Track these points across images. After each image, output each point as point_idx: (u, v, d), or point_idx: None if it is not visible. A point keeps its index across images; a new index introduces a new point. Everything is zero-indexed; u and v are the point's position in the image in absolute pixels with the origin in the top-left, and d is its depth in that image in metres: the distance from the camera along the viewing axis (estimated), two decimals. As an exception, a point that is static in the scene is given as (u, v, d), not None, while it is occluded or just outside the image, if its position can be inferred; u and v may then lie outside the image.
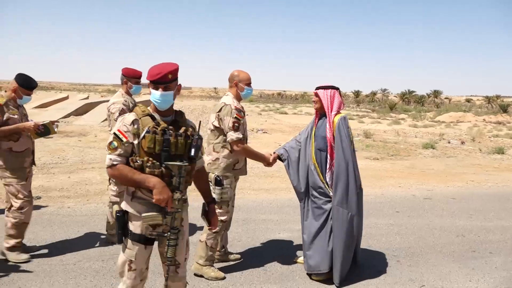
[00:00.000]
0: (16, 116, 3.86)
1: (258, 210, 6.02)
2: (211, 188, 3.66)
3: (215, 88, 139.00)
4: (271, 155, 3.94)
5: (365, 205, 6.46)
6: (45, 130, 3.97)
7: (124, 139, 2.31)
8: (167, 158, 2.31)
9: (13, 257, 3.88)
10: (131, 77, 4.56)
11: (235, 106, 3.57)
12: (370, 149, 13.18)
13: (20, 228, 3.92)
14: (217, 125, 3.61)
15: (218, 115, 3.60)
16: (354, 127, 21.19)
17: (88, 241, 4.52)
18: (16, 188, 3.86)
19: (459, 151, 13.68)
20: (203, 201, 2.71)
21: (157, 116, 2.39)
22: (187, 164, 2.33)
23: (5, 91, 3.93)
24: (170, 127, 2.36)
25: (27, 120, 4.02)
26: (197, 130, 2.47)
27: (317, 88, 3.74)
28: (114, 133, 2.33)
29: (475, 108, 58.85)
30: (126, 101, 4.45)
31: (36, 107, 21.31)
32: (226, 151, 3.61)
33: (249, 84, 3.71)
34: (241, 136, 3.53)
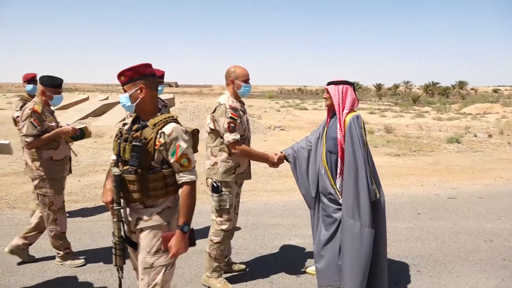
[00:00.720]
0: (53, 124, 3.84)
1: (269, 214, 5.72)
2: (209, 194, 3.39)
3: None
4: (276, 154, 3.63)
5: (383, 206, 6.18)
6: (81, 133, 3.98)
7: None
8: (117, 163, 2.33)
9: (69, 263, 3.94)
10: None
11: (229, 105, 3.28)
12: (391, 145, 12.66)
13: (60, 238, 3.92)
14: (213, 127, 3.33)
15: (213, 116, 3.32)
16: (375, 122, 20.63)
17: (87, 250, 4.33)
18: (50, 199, 3.81)
19: (486, 145, 12.99)
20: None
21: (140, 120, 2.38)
22: (118, 173, 2.24)
23: (36, 96, 3.87)
24: (125, 129, 2.35)
25: (58, 126, 3.94)
26: (156, 136, 2.25)
27: (328, 84, 3.39)
28: None
29: (503, 99, 56.57)
30: None
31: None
32: (224, 155, 3.33)
33: (246, 81, 3.41)
34: (237, 137, 3.24)
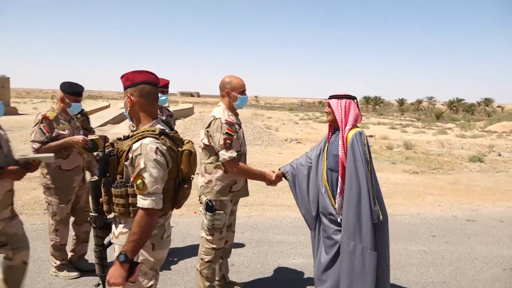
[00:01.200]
0: (66, 132, 3.70)
1: (275, 230, 5.51)
2: (202, 212, 3.22)
3: (256, 97, 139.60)
4: (273, 172, 3.46)
5: (396, 226, 5.90)
6: (93, 145, 3.74)
7: None
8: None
9: (63, 274, 3.84)
10: None
11: (225, 120, 3.12)
12: (410, 162, 12.27)
13: (58, 249, 3.85)
14: (207, 143, 3.16)
15: (207, 131, 3.14)
16: (395, 137, 20.16)
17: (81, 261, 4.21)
18: (54, 209, 3.77)
19: (510, 165, 12.45)
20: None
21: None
22: (94, 179, 2.13)
23: (55, 102, 3.84)
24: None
25: (79, 133, 3.85)
26: (128, 151, 2.06)
27: (330, 97, 3.21)
28: None
29: (531, 117, 54.78)
30: None
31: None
32: (219, 172, 3.17)
33: (243, 92, 3.25)
34: (234, 154, 3.07)
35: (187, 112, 26.39)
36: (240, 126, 3.27)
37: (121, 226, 2.13)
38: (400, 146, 15.95)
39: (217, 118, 3.12)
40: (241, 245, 4.85)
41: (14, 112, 24.30)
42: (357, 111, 3.14)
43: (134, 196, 2.01)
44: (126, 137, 2.14)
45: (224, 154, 3.04)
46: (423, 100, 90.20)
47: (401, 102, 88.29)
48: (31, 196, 6.46)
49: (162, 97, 4.54)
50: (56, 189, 3.71)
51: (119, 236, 2.12)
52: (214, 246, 3.22)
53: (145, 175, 1.96)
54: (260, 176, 3.38)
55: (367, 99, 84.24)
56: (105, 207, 2.12)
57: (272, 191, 7.71)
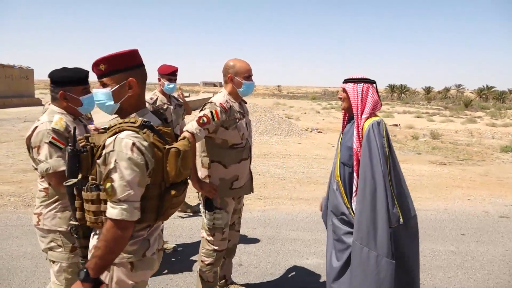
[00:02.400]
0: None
1: (289, 226, 5.16)
2: (201, 211, 2.91)
3: (278, 86, 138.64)
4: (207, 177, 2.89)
5: (421, 224, 5.38)
6: None
7: None
8: None
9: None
10: (162, 73, 4.29)
11: (220, 103, 2.77)
12: (437, 152, 11.65)
13: None
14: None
15: None
16: (421, 126, 19.40)
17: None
18: None
19: (547, 156, 11.65)
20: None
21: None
22: (70, 183, 1.74)
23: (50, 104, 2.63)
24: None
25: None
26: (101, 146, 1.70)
27: (346, 81, 2.79)
28: None
29: None
30: (152, 98, 4.20)
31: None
32: (219, 167, 2.83)
33: (248, 77, 2.88)
34: (200, 134, 2.66)
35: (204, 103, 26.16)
36: (243, 116, 2.92)
37: (95, 238, 1.77)
38: (426, 135, 15.25)
39: (212, 102, 2.79)
40: (251, 243, 4.53)
41: (38, 103, 24.66)
42: (376, 97, 2.72)
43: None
44: (106, 129, 1.76)
45: (191, 125, 2.67)
46: (451, 88, 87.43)
47: (428, 90, 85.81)
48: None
49: (170, 85, 4.28)
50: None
51: (92, 250, 1.76)
52: (215, 247, 2.91)
53: (115, 177, 1.59)
54: (193, 176, 2.78)
55: (392, 87, 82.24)
56: (77, 214, 1.75)
57: (289, 183, 7.36)
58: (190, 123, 2.73)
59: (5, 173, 7.30)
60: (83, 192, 1.70)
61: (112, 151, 1.61)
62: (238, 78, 2.85)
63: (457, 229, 5.23)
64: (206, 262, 2.93)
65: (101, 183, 1.65)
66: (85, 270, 1.60)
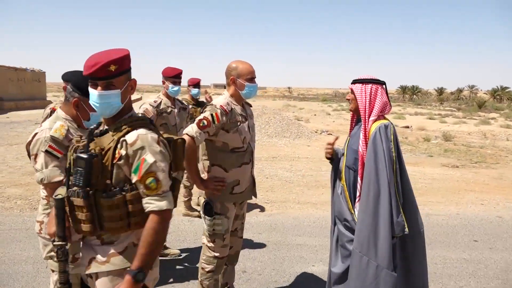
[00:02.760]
0: None
1: (296, 231, 5.05)
2: (201, 216, 2.83)
3: (289, 88, 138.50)
4: (210, 178, 2.79)
5: (432, 229, 5.30)
6: None
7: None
8: (67, 182, 1.75)
9: None
10: (167, 76, 4.22)
11: (221, 105, 2.69)
12: (449, 155, 11.42)
13: None
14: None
15: None
16: (433, 128, 19.11)
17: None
18: None
19: None
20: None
21: (104, 126, 1.80)
22: (61, 196, 1.71)
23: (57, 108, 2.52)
24: (76, 140, 1.79)
25: None
26: (117, 146, 1.66)
27: (354, 82, 2.69)
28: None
29: None
30: (155, 101, 4.10)
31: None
32: (219, 171, 2.75)
33: (251, 79, 2.78)
34: (197, 135, 2.59)
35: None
36: (246, 119, 2.83)
37: (110, 247, 1.72)
38: (439, 137, 15.00)
39: (213, 104, 2.71)
40: (256, 248, 4.43)
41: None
42: (385, 99, 2.60)
43: (135, 202, 1.66)
44: (103, 132, 1.72)
45: (191, 128, 2.61)
46: (464, 88, 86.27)
47: (440, 91, 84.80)
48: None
49: (174, 88, 4.21)
50: None
51: (110, 260, 1.71)
52: (216, 254, 2.82)
53: (157, 171, 1.65)
54: (196, 178, 2.74)
55: (403, 89, 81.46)
56: (85, 227, 1.67)
57: (297, 187, 7.25)
58: (190, 126, 2.65)
59: (14, 176, 7.33)
60: (103, 200, 1.64)
61: (143, 147, 1.64)
62: (241, 80, 2.76)
63: (470, 235, 5.06)
64: (207, 269, 2.85)
65: (125, 184, 1.67)
66: (139, 270, 1.60)
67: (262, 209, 5.92)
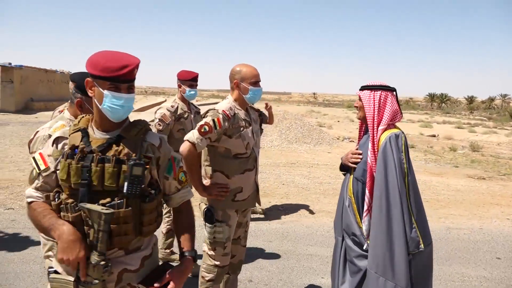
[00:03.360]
0: None
1: (308, 240, 4.92)
2: (202, 223, 2.75)
3: (314, 94, 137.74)
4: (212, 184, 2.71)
5: (452, 244, 5.06)
6: None
7: (43, 167, 1.64)
8: (85, 196, 1.53)
9: None
10: (183, 79, 4.11)
11: (223, 110, 2.60)
12: (476, 166, 10.98)
13: None
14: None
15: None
16: (460, 138, 18.51)
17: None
18: None
19: None
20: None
21: (94, 131, 1.65)
22: (109, 211, 1.48)
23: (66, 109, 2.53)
24: (94, 148, 1.58)
25: None
26: (142, 149, 1.61)
27: (362, 89, 2.56)
28: (33, 158, 1.67)
29: None
30: (173, 106, 4.00)
31: (134, 111, 22.51)
32: (221, 177, 2.67)
33: (255, 83, 2.69)
34: (198, 141, 2.51)
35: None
36: (249, 124, 2.74)
37: (139, 253, 1.67)
38: (466, 147, 14.48)
39: (215, 109, 2.63)
40: (265, 257, 4.33)
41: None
42: (396, 107, 2.46)
43: (160, 203, 1.74)
44: (119, 137, 1.62)
45: (192, 134, 2.53)
46: (495, 97, 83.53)
47: (471, 99, 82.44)
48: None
49: (191, 91, 4.12)
50: None
51: (145, 264, 1.69)
52: (216, 262, 2.74)
53: (182, 164, 1.83)
54: (198, 184, 2.65)
55: (432, 96, 79.63)
56: (129, 238, 1.59)
57: (312, 195, 7.10)
58: (191, 132, 2.58)
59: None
60: (144, 205, 1.60)
61: (168, 147, 1.74)
62: (245, 84, 2.68)
63: (492, 252, 4.79)
64: (207, 278, 2.76)
65: (152, 186, 1.68)
66: (192, 250, 1.73)
67: (276, 216, 5.81)
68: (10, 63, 21.05)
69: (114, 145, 1.59)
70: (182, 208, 1.81)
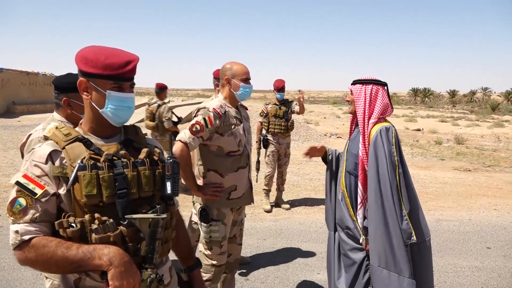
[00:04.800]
0: None
1: (302, 237, 4.93)
2: (198, 222, 2.73)
3: (299, 91, 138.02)
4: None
5: (443, 235, 5.14)
6: None
7: (39, 190, 1.28)
8: (126, 209, 1.33)
9: None
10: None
11: (213, 108, 2.59)
12: (461, 158, 11.17)
13: None
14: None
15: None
16: (445, 131, 18.80)
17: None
18: None
19: None
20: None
21: (94, 138, 1.42)
22: (164, 215, 1.36)
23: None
24: (122, 151, 1.39)
25: None
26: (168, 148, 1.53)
27: (354, 83, 2.57)
28: (18, 183, 1.29)
29: None
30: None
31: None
32: (215, 176, 2.65)
33: (246, 80, 2.69)
34: (190, 141, 2.49)
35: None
36: (240, 121, 2.73)
37: (165, 265, 1.57)
38: (451, 140, 14.72)
39: (206, 107, 2.61)
40: (260, 255, 4.32)
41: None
42: (387, 101, 2.49)
43: None
44: (128, 140, 1.50)
45: (184, 134, 2.51)
46: (477, 91, 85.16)
47: (453, 93, 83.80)
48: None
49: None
50: None
51: (172, 273, 1.63)
52: (213, 262, 2.72)
53: None
54: (192, 184, 2.62)
55: (415, 91, 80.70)
56: (168, 246, 1.53)
57: (304, 191, 7.12)
58: (183, 132, 2.56)
59: (20, 180, 7.32)
60: (172, 208, 1.50)
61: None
62: (235, 80, 2.66)
63: (482, 242, 4.88)
64: (205, 278, 2.74)
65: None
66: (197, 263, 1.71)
67: (268, 214, 5.81)
68: (-10, 66, 20.59)
69: (127, 148, 1.43)
70: (178, 215, 1.65)
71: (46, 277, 2.29)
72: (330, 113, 31.37)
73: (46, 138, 2.09)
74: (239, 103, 2.82)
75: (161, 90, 6.44)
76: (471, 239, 4.95)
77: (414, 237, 2.24)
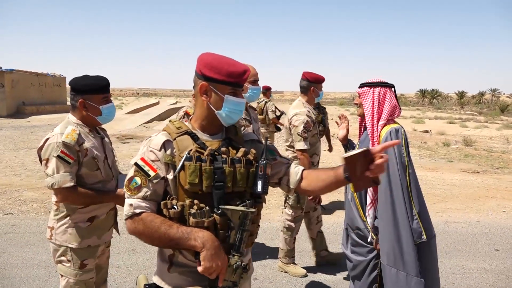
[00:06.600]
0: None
1: (306, 238, 4.94)
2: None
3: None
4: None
5: (451, 237, 5.15)
6: None
7: (152, 173, 1.50)
8: (221, 199, 1.49)
9: None
10: (317, 82, 3.89)
11: None
12: (470, 160, 11.11)
13: None
14: None
15: None
16: (453, 133, 18.70)
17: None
18: None
19: None
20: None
21: (200, 133, 1.59)
22: (253, 209, 1.50)
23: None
24: (223, 148, 1.55)
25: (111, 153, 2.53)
26: (263, 150, 1.61)
27: (361, 86, 2.62)
28: (136, 164, 1.53)
29: None
30: (309, 111, 3.81)
31: (127, 113, 22.50)
32: None
33: (254, 82, 2.75)
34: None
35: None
36: (250, 123, 2.78)
37: (248, 252, 1.72)
38: (459, 142, 14.64)
39: None
40: (268, 255, 4.36)
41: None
42: (395, 103, 2.53)
43: None
44: (229, 139, 1.66)
45: None
46: (485, 92, 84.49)
47: (461, 95, 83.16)
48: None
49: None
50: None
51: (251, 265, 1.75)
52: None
53: None
54: None
55: (423, 92, 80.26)
56: (253, 239, 1.65)
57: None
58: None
59: (31, 179, 7.44)
60: (259, 205, 1.61)
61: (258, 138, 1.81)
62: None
63: (491, 244, 4.88)
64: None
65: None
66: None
67: (277, 215, 5.85)
68: (0, 67, 20.88)
69: (230, 147, 1.58)
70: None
71: (62, 275, 2.35)
72: (337, 115, 31.33)
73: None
74: (248, 104, 2.86)
75: (267, 91, 8.25)
76: (479, 241, 4.95)
77: (424, 236, 2.27)
